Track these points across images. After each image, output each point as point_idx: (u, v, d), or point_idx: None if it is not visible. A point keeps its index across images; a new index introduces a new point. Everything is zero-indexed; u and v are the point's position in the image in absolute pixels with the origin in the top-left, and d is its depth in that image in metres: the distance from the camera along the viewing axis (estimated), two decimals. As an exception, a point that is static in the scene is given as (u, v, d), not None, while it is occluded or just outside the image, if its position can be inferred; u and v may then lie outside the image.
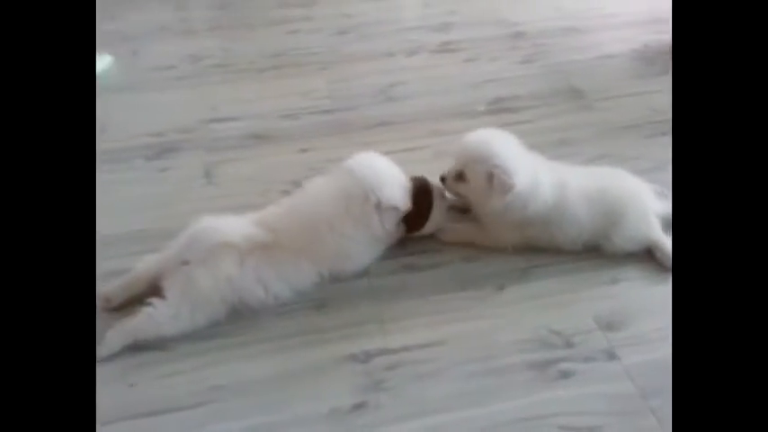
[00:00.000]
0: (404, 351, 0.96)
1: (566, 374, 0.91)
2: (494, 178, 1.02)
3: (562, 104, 1.61)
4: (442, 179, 1.13)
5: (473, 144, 1.08)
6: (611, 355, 0.93)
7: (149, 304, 0.98)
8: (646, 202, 1.11)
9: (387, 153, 1.20)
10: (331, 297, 1.06)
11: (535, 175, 1.06)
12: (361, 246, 1.08)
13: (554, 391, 0.89)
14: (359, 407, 0.88)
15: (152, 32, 2.20)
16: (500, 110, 1.60)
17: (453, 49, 1.95)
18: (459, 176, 1.09)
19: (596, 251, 1.11)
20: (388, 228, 1.07)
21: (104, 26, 2.17)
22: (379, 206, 1.04)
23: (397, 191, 1.07)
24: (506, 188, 1.02)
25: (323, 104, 1.67)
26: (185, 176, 1.40)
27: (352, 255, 1.07)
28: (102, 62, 1.89)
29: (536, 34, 2.00)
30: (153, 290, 1.01)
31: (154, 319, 0.97)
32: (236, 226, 1.03)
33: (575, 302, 1.03)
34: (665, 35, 1.88)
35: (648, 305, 1.01)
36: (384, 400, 0.89)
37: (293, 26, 2.20)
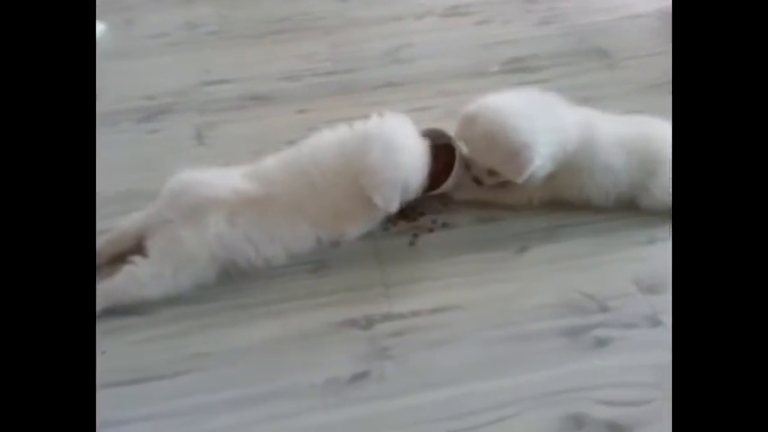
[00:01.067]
0: (412, 316, 0.84)
1: (602, 342, 0.78)
2: (512, 161, 0.90)
3: (585, 63, 1.48)
4: (477, 180, 0.99)
5: (477, 135, 0.94)
6: (656, 321, 0.80)
7: (131, 262, 0.87)
8: None
9: (395, 113, 1.08)
10: (330, 259, 0.94)
11: (554, 118, 0.93)
12: (361, 208, 0.94)
13: (589, 360, 0.76)
14: (359, 377, 0.76)
15: (148, 2, 2.10)
16: (516, 69, 1.47)
17: (464, 12, 1.82)
18: (490, 173, 0.96)
19: (627, 209, 0.97)
20: (373, 213, 0.94)
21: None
22: (363, 189, 0.90)
23: (389, 188, 0.90)
24: (523, 168, 0.89)
25: (325, 67, 1.56)
26: (175, 137, 1.30)
27: (351, 216, 0.94)
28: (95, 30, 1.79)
29: (553, -4, 1.87)
30: (139, 248, 0.90)
31: (135, 277, 0.86)
32: (223, 179, 0.92)
33: (608, 264, 0.90)
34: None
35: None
36: (389, 369, 0.77)
37: (295, -7, 2.08)
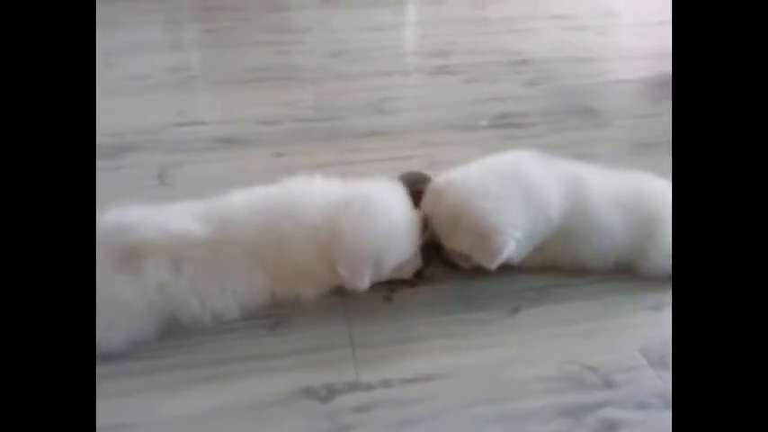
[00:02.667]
0: (382, 387, 0.70)
1: (612, 426, 0.65)
2: (478, 248, 0.78)
3: (574, 121, 1.44)
4: (449, 263, 0.87)
5: (441, 214, 0.82)
6: (670, 401, 0.67)
7: None
8: None
9: (375, 161, 1.00)
10: (291, 314, 0.81)
11: (531, 191, 0.82)
12: (329, 271, 0.80)
13: (597, 448, 0.62)
14: (314, 463, 0.61)
15: (134, 48, 2.08)
16: (504, 125, 1.42)
17: (452, 71, 1.81)
18: (461, 256, 0.84)
19: (630, 270, 0.87)
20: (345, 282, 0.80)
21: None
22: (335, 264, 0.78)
23: (360, 266, 0.77)
24: (495, 255, 0.77)
25: (307, 114, 1.50)
26: (136, 176, 1.19)
27: (315, 277, 0.81)
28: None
29: (542, 61, 1.88)
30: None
31: None
32: (168, 218, 0.79)
33: (611, 331, 0.78)
34: (680, 64, 1.76)
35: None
36: (350, 454, 0.62)
37: (284, 47, 2.09)
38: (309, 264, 0.80)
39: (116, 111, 1.52)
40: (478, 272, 0.84)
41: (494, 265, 0.78)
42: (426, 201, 0.85)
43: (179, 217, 0.79)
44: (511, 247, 0.77)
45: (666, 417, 0.66)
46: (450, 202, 0.80)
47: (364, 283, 0.78)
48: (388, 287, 0.86)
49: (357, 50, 2.03)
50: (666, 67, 1.79)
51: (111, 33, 2.27)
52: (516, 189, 0.81)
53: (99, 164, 1.24)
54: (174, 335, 0.77)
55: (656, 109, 1.51)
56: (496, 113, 1.47)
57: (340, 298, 0.84)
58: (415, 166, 1.19)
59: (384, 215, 0.80)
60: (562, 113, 1.47)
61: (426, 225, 0.85)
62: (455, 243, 0.81)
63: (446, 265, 0.87)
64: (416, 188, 0.89)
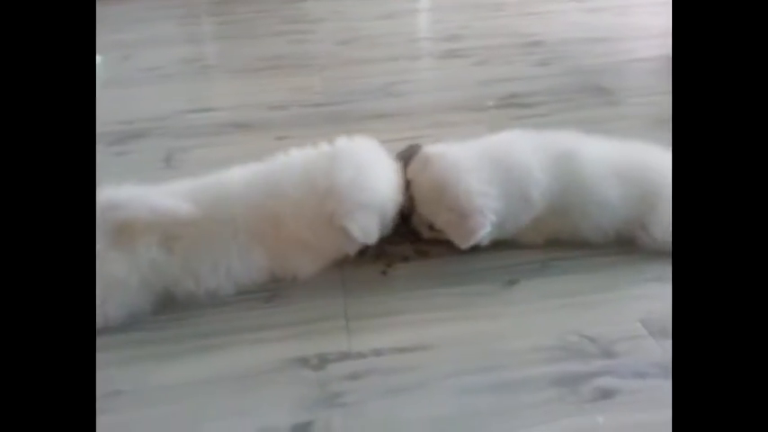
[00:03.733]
0: (373, 356, 0.69)
1: (607, 393, 0.63)
2: (453, 227, 0.77)
3: (585, 100, 1.40)
4: (414, 231, 0.86)
5: (426, 180, 0.81)
6: (671, 371, 0.65)
7: None
8: None
9: (382, 142, 0.99)
10: (288, 287, 0.81)
11: (517, 170, 0.80)
12: (327, 242, 0.81)
13: (591, 415, 0.60)
14: (300, 429, 0.61)
15: (150, 41, 2.13)
16: (512, 104, 1.40)
17: (462, 54, 1.79)
18: (431, 228, 0.83)
19: (632, 244, 0.84)
20: (344, 247, 0.81)
21: (105, 37, 2.11)
22: (331, 218, 0.77)
23: (363, 215, 0.77)
24: (467, 236, 0.76)
25: (315, 99, 1.50)
26: (143, 160, 1.22)
27: (314, 250, 0.81)
28: (88, 60, 1.78)
29: (555, 42, 1.84)
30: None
31: None
32: (154, 199, 0.78)
33: (611, 302, 0.76)
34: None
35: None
36: (337, 420, 0.62)
37: (296, 37, 2.10)
38: (306, 236, 0.79)
39: (128, 100, 1.56)
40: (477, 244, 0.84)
41: (466, 245, 0.77)
42: (413, 166, 0.84)
43: (169, 196, 0.80)
44: (485, 231, 0.76)
45: (665, 385, 0.63)
46: (436, 173, 0.79)
47: (374, 235, 0.78)
48: (385, 261, 0.85)
49: (368, 37, 2.02)
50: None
51: (128, 29, 2.32)
52: (500, 171, 0.79)
53: (106, 150, 1.27)
54: (170, 308, 0.78)
55: (670, 87, 1.45)
56: (505, 94, 1.44)
57: (337, 272, 0.84)
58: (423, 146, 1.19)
59: (374, 166, 0.81)
60: (574, 92, 1.43)
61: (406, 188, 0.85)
62: (431, 214, 0.80)
63: (407, 232, 0.87)
64: (409, 159, 0.89)
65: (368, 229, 0.78)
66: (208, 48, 2.11)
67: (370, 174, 0.80)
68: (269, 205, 0.79)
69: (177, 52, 1.98)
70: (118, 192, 0.77)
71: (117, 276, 0.74)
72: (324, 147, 0.86)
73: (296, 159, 0.85)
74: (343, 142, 0.85)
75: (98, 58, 1.84)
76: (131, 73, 1.77)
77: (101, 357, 0.71)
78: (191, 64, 1.85)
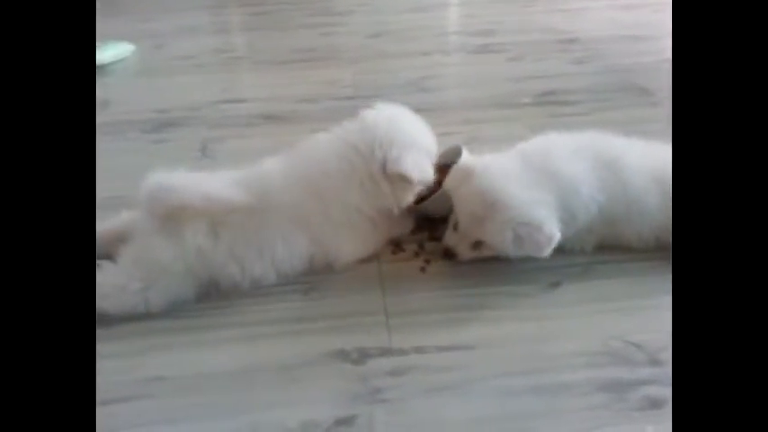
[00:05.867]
0: (415, 353, 0.69)
1: (657, 403, 0.61)
2: (523, 240, 0.73)
3: (625, 100, 1.37)
4: (447, 252, 0.81)
5: (472, 194, 0.76)
6: (722, 381, 0.63)
7: (98, 266, 0.75)
8: None
9: None
10: (326, 280, 0.81)
11: (559, 177, 0.76)
12: (367, 223, 0.83)
13: (639, 424, 0.59)
14: (343, 423, 0.61)
15: (182, 31, 2.14)
16: (548, 102, 1.37)
17: (495, 50, 1.76)
18: (476, 245, 0.79)
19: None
20: (401, 201, 0.82)
21: (137, 25, 2.13)
22: (384, 169, 0.80)
23: (412, 155, 0.80)
24: (545, 245, 0.73)
25: (346, 92, 1.50)
26: (179, 148, 1.23)
27: (354, 232, 0.82)
28: (121, 49, 1.80)
29: (591, 40, 1.81)
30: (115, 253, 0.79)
31: (97, 284, 0.74)
32: (205, 186, 0.79)
33: (658, 309, 0.74)
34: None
35: None
36: (379, 416, 0.61)
37: (327, 29, 2.09)
38: (350, 218, 0.81)
39: (162, 89, 1.57)
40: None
41: (545, 254, 0.74)
42: (452, 177, 0.81)
43: (219, 183, 0.81)
44: (557, 239, 0.73)
45: (717, 397, 0.62)
46: (484, 186, 0.75)
47: (430, 173, 0.83)
48: (424, 258, 0.84)
49: (399, 31, 2.01)
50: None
51: (160, 17, 2.34)
52: (548, 181, 0.76)
53: (144, 137, 1.29)
54: (213, 297, 0.79)
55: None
56: (541, 91, 1.42)
57: (375, 267, 0.84)
58: (456, 142, 1.17)
59: (403, 117, 0.87)
60: (611, 92, 1.41)
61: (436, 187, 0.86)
62: (479, 231, 0.76)
63: (430, 237, 0.87)
64: (450, 162, 0.88)
65: (422, 166, 0.81)
66: (238, 38, 2.12)
67: (405, 122, 0.85)
68: (313, 186, 0.80)
69: (209, 42, 1.99)
70: (170, 176, 0.77)
71: (162, 262, 0.74)
72: (350, 120, 0.88)
73: (328, 136, 0.87)
74: (368, 109, 0.88)
75: (129, 47, 1.86)
76: (164, 62, 1.78)
77: (145, 342, 0.72)
78: (222, 54, 1.86)
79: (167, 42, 1.99)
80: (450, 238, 0.81)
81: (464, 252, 0.80)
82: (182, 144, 1.24)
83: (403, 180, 0.81)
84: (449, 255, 0.81)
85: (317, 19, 2.24)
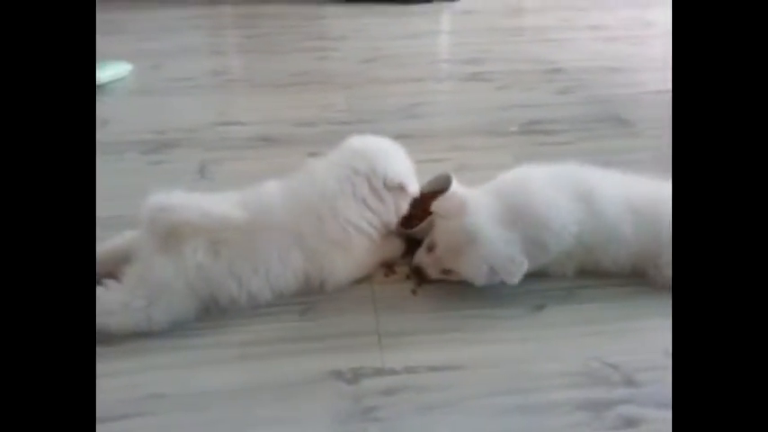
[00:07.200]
0: (406, 373, 0.72)
1: (631, 422, 0.65)
2: (497, 272, 0.79)
3: (606, 130, 1.44)
4: (417, 270, 0.87)
5: (453, 232, 0.81)
6: (694, 402, 0.67)
7: (102, 284, 0.78)
8: None
9: None
10: (322, 301, 0.85)
11: (535, 214, 0.81)
12: (361, 240, 0.88)
13: (615, 441, 0.63)
14: (339, 440, 0.64)
15: (179, 51, 2.18)
16: (534, 131, 1.44)
17: (485, 78, 1.83)
18: (446, 272, 0.84)
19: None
20: (400, 212, 0.90)
21: (134, 45, 2.17)
22: (386, 184, 0.88)
23: (404, 169, 0.93)
24: (516, 274, 0.79)
25: (341, 117, 1.55)
26: (178, 170, 1.26)
27: (349, 250, 0.86)
28: (119, 68, 1.83)
29: (575, 71, 1.89)
30: (119, 272, 0.81)
31: (101, 302, 0.76)
32: (204, 204, 0.83)
33: (636, 332, 0.79)
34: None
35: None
36: (374, 433, 0.65)
37: (322, 54, 2.15)
38: (343, 236, 0.86)
39: (160, 110, 1.60)
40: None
41: (515, 281, 0.79)
42: (445, 205, 0.85)
43: (219, 202, 0.84)
44: (523, 272, 0.78)
45: (688, 416, 0.66)
46: (466, 224, 0.80)
47: (416, 187, 0.95)
48: (415, 280, 0.88)
49: (392, 57, 2.07)
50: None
51: (157, 37, 2.38)
52: (521, 221, 0.80)
53: (142, 158, 1.32)
54: (212, 316, 0.81)
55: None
56: (527, 120, 1.49)
57: (368, 288, 0.87)
58: (445, 168, 1.22)
59: (393, 145, 0.98)
60: (593, 122, 1.47)
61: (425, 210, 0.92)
62: (454, 262, 0.81)
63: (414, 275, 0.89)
64: (436, 188, 0.94)
65: (412, 179, 0.95)
66: (234, 61, 2.17)
67: (389, 147, 0.97)
68: (310, 206, 0.85)
69: (205, 64, 2.03)
70: (169, 196, 0.81)
71: (164, 280, 0.77)
72: (338, 147, 0.96)
73: (323, 162, 0.93)
74: (352, 139, 0.98)
75: (127, 66, 1.90)
76: (162, 82, 1.82)
77: (145, 360, 0.75)
78: (219, 76, 1.90)
79: (164, 63, 2.02)
80: (421, 258, 0.86)
81: (433, 274, 0.85)
82: (180, 165, 1.27)
83: (402, 190, 0.90)
84: (417, 273, 0.86)
85: (312, 43, 2.30)
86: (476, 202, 0.83)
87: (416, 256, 0.87)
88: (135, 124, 1.48)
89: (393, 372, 0.72)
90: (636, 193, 0.87)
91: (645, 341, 0.77)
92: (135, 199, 1.10)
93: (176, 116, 1.54)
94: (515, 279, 0.79)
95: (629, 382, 0.70)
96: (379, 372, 0.72)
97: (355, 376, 0.72)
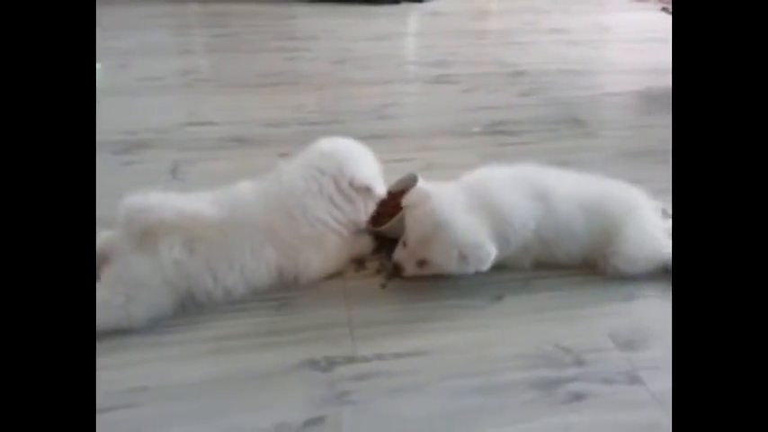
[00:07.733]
0: (376, 360, 0.78)
1: (578, 396, 0.73)
2: (467, 258, 0.83)
3: (564, 131, 1.53)
4: (396, 267, 0.90)
5: (423, 217, 0.85)
6: (634, 378, 0.75)
7: None
8: (649, 217, 0.95)
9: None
10: (296, 297, 0.89)
11: (505, 206, 0.88)
12: (332, 237, 0.93)
13: (564, 415, 0.70)
14: (313, 423, 0.69)
15: (146, 50, 2.18)
16: (497, 132, 1.51)
17: (451, 81, 1.91)
18: (421, 263, 0.88)
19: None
20: (368, 211, 0.95)
21: (100, 43, 2.14)
22: (352, 185, 0.93)
23: (370, 171, 0.97)
24: (485, 261, 0.84)
25: (312, 117, 1.59)
26: (149, 171, 1.27)
27: (321, 246, 0.91)
28: (87, 67, 1.81)
29: (537, 73, 1.98)
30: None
31: None
32: (180, 203, 0.86)
33: (585, 318, 0.86)
34: (668, 81, 1.86)
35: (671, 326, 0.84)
36: (347, 416, 0.70)
37: (292, 54, 2.18)
38: (313, 232, 0.90)
39: (130, 110, 1.61)
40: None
41: (485, 268, 0.85)
42: (411, 197, 0.90)
43: (194, 201, 0.88)
44: (493, 256, 0.84)
45: (629, 391, 0.74)
46: (435, 211, 0.84)
47: (383, 188, 0.99)
48: (384, 275, 0.94)
49: (361, 58, 2.12)
50: (655, 81, 1.89)
51: (124, 36, 2.36)
52: (487, 211, 0.86)
53: (114, 159, 1.33)
54: (189, 312, 0.85)
55: (642, 121, 1.60)
56: (491, 121, 1.56)
57: (340, 284, 0.92)
58: (413, 168, 1.28)
59: (360, 147, 1.02)
60: (553, 123, 1.56)
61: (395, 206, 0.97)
62: (426, 250, 0.86)
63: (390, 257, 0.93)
64: (405, 188, 0.99)
65: (378, 180, 0.99)
66: (202, 60, 2.17)
67: (357, 149, 1.01)
68: (281, 204, 0.90)
69: (173, 63, 2.03)
70: (145, 197, 0.84)
71: (141, 278, 0.80)
72: (307, 150, 1.00)
73: (292, 165, 0.97)
74: (320, 141, 1.01)
75: (97, 65, 1.88)
76: (130, 82, 1.82)
77: (128, 356, 0.78)
78: (188, 76, 1.91)
79: (132, 62, 2.02)
80: (398, 254, 0.91)
81: (410, 268, 0.89)
82: (152, 166, 1.29)
83: (368, 191, 0.95)
84: (396, 269, 0.90)
85: (281, 43, 2.33)
86: (440, 192, 0.88)
87: (395, 254, 0.91)
88: (106, 124, 1.48)
89: (364, 359, 0.78)
90: (587, 191, 0.95)
91: (591, 325, 0.84)
92: (109, 199, 1.12)
93: (147, 116, 1.55)
94: (485, 266, 0.84)
95: (579, 362, 0.78)
96: (352, 359, 0.78)
97: (329, 364, 0.77)
